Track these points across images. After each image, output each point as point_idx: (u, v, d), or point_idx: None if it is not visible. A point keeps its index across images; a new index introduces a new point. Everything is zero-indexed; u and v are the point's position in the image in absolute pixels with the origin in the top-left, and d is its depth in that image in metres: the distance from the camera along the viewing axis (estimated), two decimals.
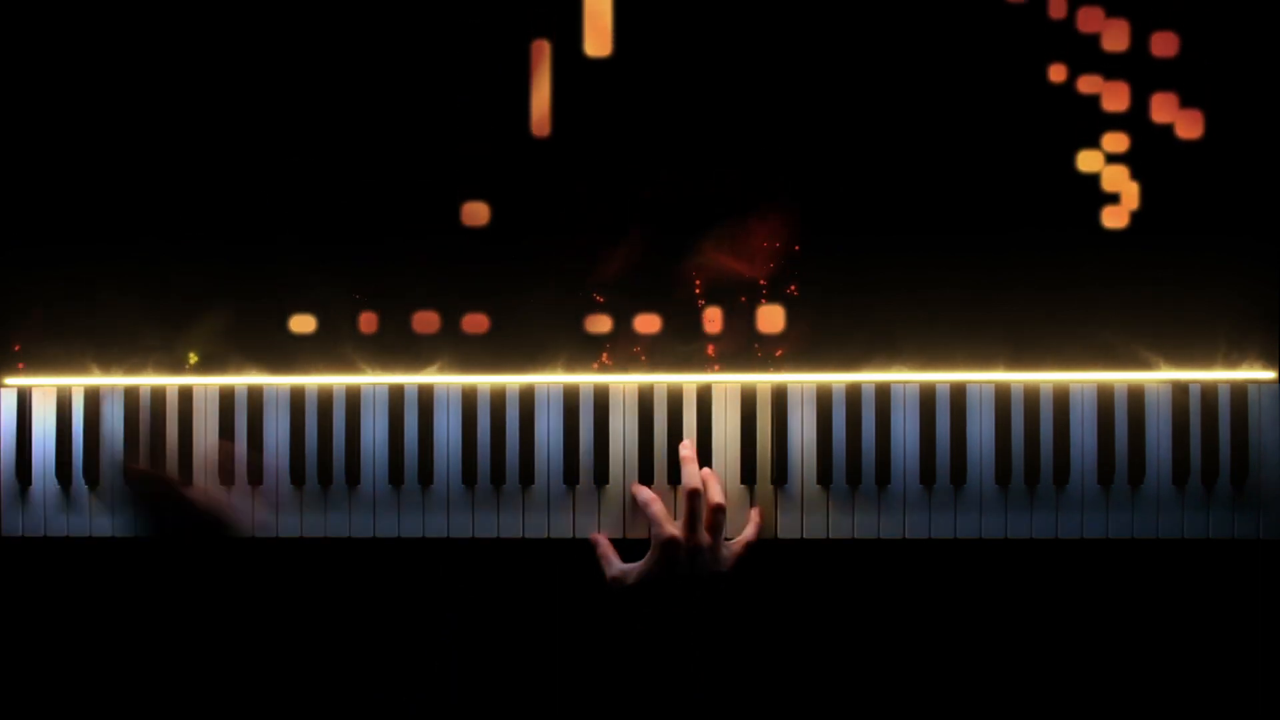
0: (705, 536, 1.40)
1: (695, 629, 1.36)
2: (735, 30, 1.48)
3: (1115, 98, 1.48)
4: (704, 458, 1.49)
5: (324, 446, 1.50)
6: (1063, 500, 1.48)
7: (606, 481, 1.50)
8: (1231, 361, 1.48)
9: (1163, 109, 1.48)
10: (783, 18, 1.48)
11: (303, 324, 1.51)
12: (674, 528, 1.40)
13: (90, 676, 1.54)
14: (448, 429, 1.50)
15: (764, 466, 1.49)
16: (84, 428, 1.51)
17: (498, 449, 1.49)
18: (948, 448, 1.48)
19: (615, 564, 1.42)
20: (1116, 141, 1.48)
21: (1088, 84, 1.48)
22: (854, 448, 1.49)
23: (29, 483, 1.51)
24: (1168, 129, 1.48)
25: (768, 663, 1.53)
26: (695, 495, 1.42)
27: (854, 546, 1.49)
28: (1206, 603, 1.50)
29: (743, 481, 1.49)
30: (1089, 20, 1.48)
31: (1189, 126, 1.47)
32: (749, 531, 1.44)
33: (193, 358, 1.49)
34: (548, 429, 1.50)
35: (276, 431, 1.51)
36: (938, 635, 1.52)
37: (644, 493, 1.45)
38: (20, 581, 1.54)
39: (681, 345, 1.49)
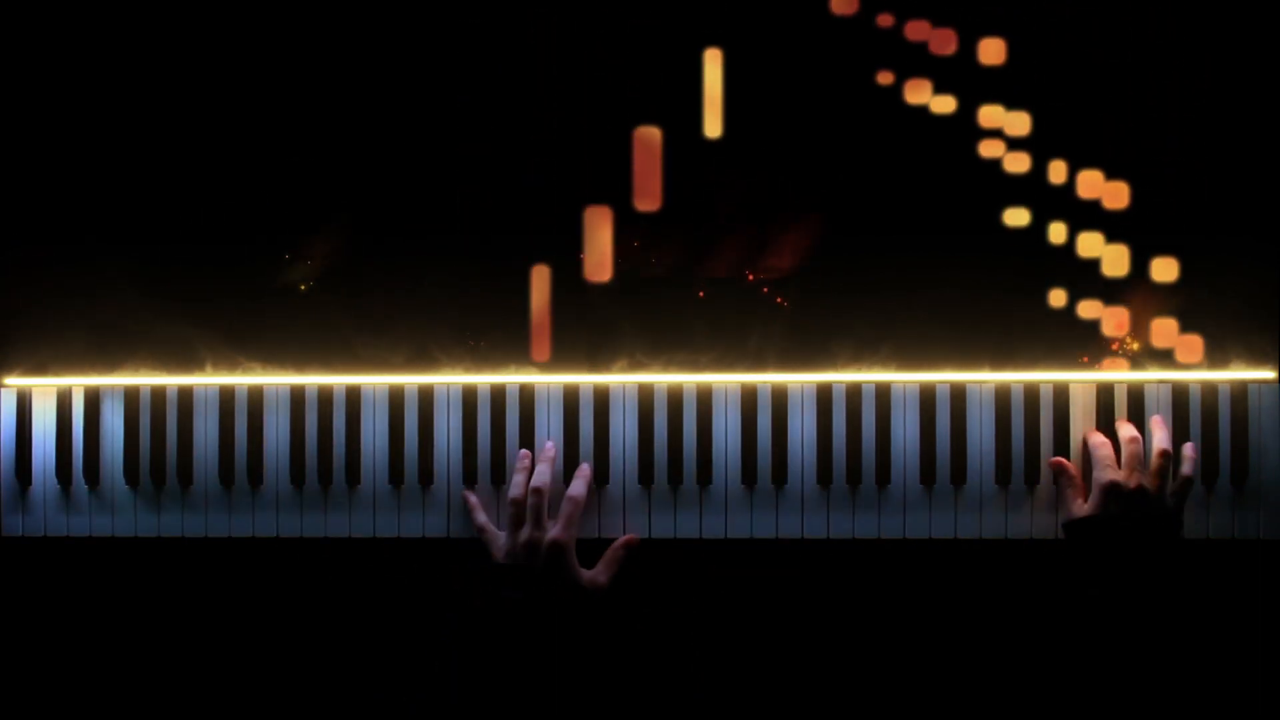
0: None
1: None
2: (734, 250, 1.50)
3: (1115, 323, 1.48)
4: (704, 457, 1.49)
5: (324, 446, 1.50)
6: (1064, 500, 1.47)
7: (606, 481, 1.50)
8: (1230, 361, 1.48)
9: (1162, 335, 1.48)
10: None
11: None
12: None
13: (90, 676, 1.54)
14: (448, 429, 1.50)
15: (764, 466, 1.49)
16: (84, 428, 1.51)
17: (498, 449, 1.49)
18: (948, 448, 1.48)
19: None
20: (1116, 366, 1.48)
21: (1088, 309, 1.48)
22: (854, 448, 1.49)
23: (29, 483, 1.51)
24: (1168, 354, 1.48)
25: (767, 663, 1.53)
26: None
27: (854, 546, 1.49)
28: (1206, 603, 1.50)
29: (743, 482, 1.49)
30: (1089, 246, 1.48)
31: (1189, 352, 1.48)
32: None
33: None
34: (548, 429, 1.50)
35: (276, 431, 1.51)
36: (938, 635, 1.52)
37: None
38: (20, 581, 1.54)
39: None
